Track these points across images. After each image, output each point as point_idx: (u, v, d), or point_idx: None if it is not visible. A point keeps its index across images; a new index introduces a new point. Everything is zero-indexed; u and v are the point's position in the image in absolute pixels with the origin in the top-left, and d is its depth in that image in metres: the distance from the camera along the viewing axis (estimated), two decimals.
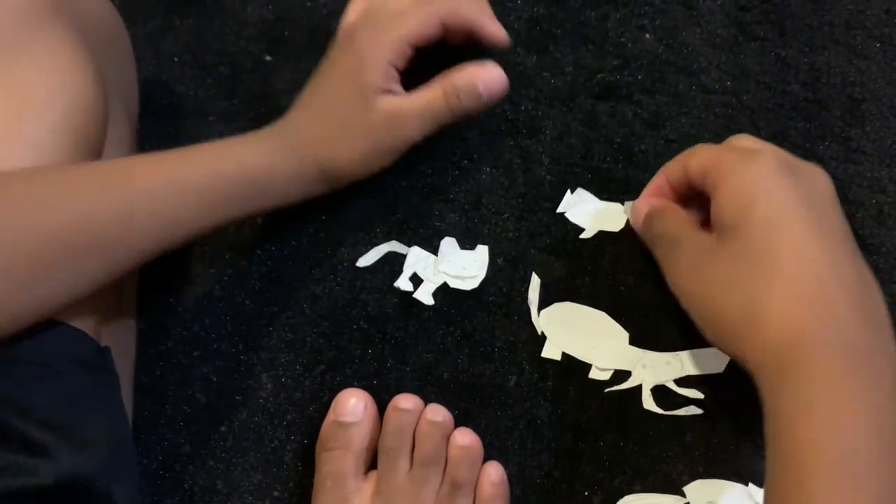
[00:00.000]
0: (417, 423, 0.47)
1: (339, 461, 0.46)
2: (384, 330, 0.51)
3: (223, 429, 0.50)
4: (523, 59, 0.55)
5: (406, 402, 0.47)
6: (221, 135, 0.56)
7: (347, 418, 0.47)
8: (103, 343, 0.42)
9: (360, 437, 0.46)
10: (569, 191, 0.51)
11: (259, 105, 0.57)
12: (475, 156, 0.53)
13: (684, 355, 0.47)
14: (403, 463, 0.46)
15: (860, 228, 0.49)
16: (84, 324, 0.40)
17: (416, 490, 0.45)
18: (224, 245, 0.53)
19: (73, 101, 0.41)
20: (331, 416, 0.47)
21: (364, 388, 0.49)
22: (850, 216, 0.49)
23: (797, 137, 0.51)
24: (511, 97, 0.54)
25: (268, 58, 0.58)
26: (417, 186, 0.53)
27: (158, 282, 0.52)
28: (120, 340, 0.48)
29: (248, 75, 0.58)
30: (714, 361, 0.47)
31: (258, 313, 0.52)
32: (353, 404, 0.47)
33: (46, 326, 0.38)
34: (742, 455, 0.46)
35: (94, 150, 0.44)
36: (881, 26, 0.52)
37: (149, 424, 0.51)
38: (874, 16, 0.52)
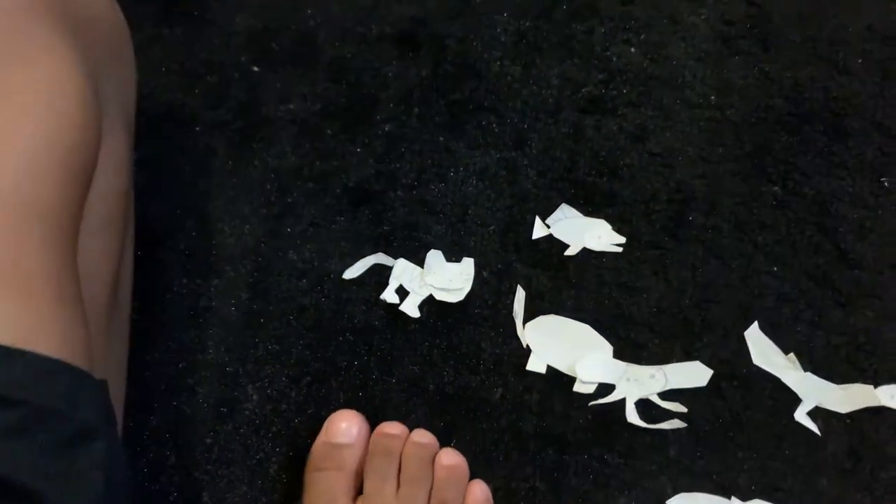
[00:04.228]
0: (404, 446, 0.47)
1: (331, 481, 0.46)
2: (370, 342, 0.51)
3: (209, 440, 0.50)
4: (510, 71, 0.55)
5: (392, 428, 0.47)
6: (208, 144, 0.57)
7: (341, 440, 0.47)
8: (98, 369, 0.41)
9: (352, 459, 0.46)
10: (537, 222, 0.52)
11: (246, 115, 0.57)
12: (461, 168, 0.53)
13: (668, 369, 0.48)
14: (390, 483, 0.46)
15: (842, 243, 0.49)
16: (78, 352, 0.39)
17: None
18: (210, 255, 0.53)
19: (66, 114, 0.39)
20: (323, 436, 0.47)
21: (350, 400, 0.49)
22: (833, 231, 0.50)
23: (780, 152, 0.52)
24: (497, 110, 0.54)
25: (255, 68, 0.58)
26: (404, 198, 0.53)
27: (144, 292, 0.52)
28: (113, 360, 0.48)
29: (236, 85, 0.58)
30: (697, 375, 0.47)
31: (244, 324, 0.52)
32: (345, 427, 0.47)
33: (42, 365, 0.36)
34: (725, 469, 0.46)
35: (88, 162, 0.42)
36: (863, 42, 0.53)
37: (134, 436, 0.50)
38: (856, 32, 0.53)
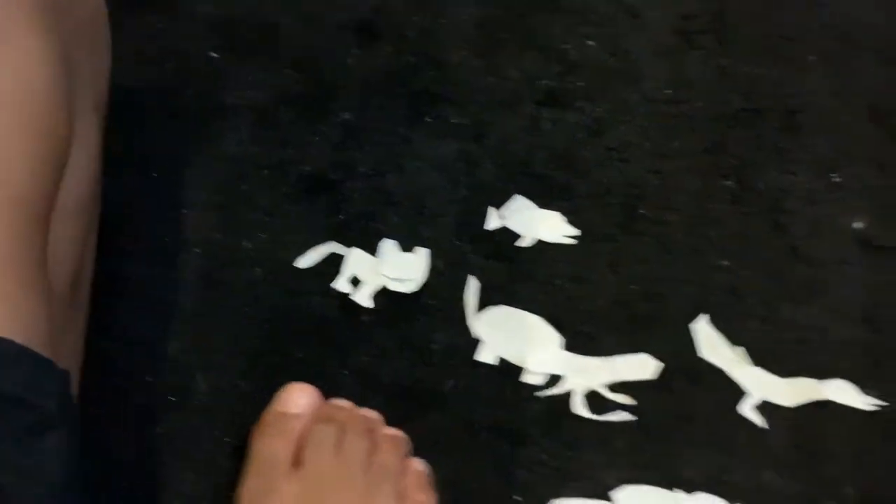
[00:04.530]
0: (348, 419, 0.47)
1: (276, 447, 0.45)
2: (324, 332, 0.50)
3: (159, 430, 0.50)
4: (470, 62, 0.55)
5: (339, 402, 0.47)
6: (165, 131, 0.56)
7: (291, 409, 0.47)
8: (58, 359, 0.40)
9: (299, 428, 0.46)
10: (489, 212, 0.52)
11: (204, 102, 0.57)
12: (419, 158, 0.53)
13: (617, 361, 0.48)
14: (329, 448, 0.45)
15: (795, 240, 0.50)
16: (42, 339, 0.37)
17: (341, 474, 0.45)
18: (163, 244, 0.53)
19: (38, 98, 0.39)
20: (273, 405, 0.47)
21: None
22: (786, 227, 0.50)
23: (735, 147, 0.52)
24: (456, 101, 0.54)
25: (213, 55, 0.57)
26: (360, 188, 0.53)
27: (96, 281, 0.51)
28: (70, 350, 0.47)
29: (194, 72, 0.57)
30: (646, 368, 0.48)
31: (197, 314, 0.51)
32: (297, 397, 0.47)
33: (6, 350, 0.35)
34: (671, 461, 0.47)
35: (60, 147, 0.41)
36: (819, 39, 0.53)
37: (85, 426, 0.50)
38: (813, 29, 0.53)
